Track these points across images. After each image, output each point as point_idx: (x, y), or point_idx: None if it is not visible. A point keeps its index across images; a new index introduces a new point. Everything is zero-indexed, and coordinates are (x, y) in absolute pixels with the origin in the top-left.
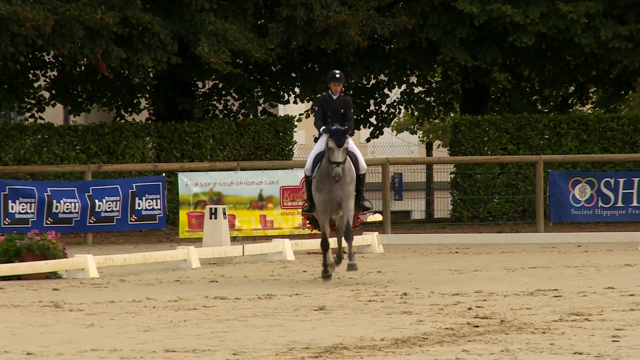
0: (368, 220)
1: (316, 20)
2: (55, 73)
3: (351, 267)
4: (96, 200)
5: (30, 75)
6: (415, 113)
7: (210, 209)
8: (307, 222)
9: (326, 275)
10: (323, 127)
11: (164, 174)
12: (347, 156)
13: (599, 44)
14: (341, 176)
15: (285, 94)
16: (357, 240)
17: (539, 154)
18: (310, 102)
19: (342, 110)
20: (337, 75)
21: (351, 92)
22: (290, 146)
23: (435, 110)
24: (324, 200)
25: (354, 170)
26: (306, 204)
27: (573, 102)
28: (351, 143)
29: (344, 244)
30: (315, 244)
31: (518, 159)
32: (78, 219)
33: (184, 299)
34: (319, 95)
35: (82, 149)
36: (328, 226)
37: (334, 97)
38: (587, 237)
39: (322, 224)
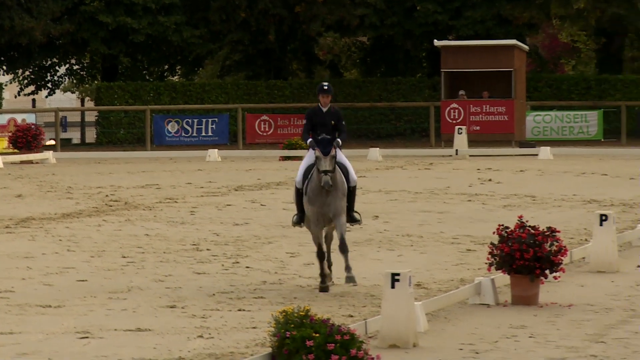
0: (47, 144)
1: (16, 26)
2: None
3: (349, 279)
4: None
5: None
6: (74, 81)
7: None
8: (11, 145)
9: (324, 286)
10: (310, 140)
11: None
12: (338, 168)
13: (183, 41)
14: (330, 184)
15: None
16: (38, 156)
17: (148, 105)
18: (12, 74)
19: (333, 122)
20: (326, 87)
21: (36, 68)
22: (1, 100)
23: (87, 79)
24: (317, 213)
25: (345, 183)
26: (295, 215)
27: (167, 75)
28: (340, 154)
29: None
30: (17, 158)
31: (134, 108)
32: None
33: None
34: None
35: None
36: (322, 237)
37: (324, 110)
38: (175, 154)
39: (316, 235)
